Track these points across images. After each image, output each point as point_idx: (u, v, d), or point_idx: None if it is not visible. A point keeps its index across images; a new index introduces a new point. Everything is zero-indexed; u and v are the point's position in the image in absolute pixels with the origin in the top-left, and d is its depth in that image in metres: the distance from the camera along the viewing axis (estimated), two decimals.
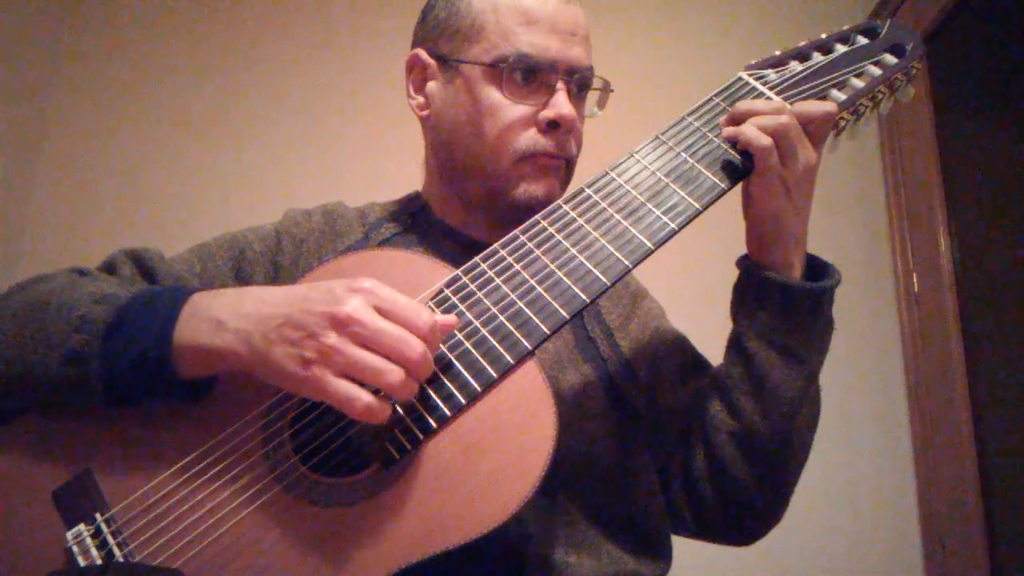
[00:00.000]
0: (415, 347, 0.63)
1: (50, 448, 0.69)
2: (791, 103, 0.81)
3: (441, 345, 0.69)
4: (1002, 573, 1.70)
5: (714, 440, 0.83)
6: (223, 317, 0.66)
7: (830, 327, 0.84)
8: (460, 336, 0.70)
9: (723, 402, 0.83)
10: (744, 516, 0.86)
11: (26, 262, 2.14)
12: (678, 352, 0.95)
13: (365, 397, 0.61)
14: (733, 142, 0.80)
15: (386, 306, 0.64)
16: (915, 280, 2.05)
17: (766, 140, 0.76)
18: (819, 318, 0.81)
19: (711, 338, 0.98)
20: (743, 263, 0.85)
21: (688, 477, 0.86)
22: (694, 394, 0.88)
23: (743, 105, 0.80)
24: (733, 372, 0.83)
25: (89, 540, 0.63)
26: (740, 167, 0.79)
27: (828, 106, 0.80)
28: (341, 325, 0.62)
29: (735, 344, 0.84)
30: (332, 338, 0.62)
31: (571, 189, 0.83)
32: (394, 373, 0.62)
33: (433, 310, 0.72)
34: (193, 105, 2.29)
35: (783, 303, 0.80)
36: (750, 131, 0.77)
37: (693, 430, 0.86)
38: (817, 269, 0.84)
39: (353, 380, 0.62)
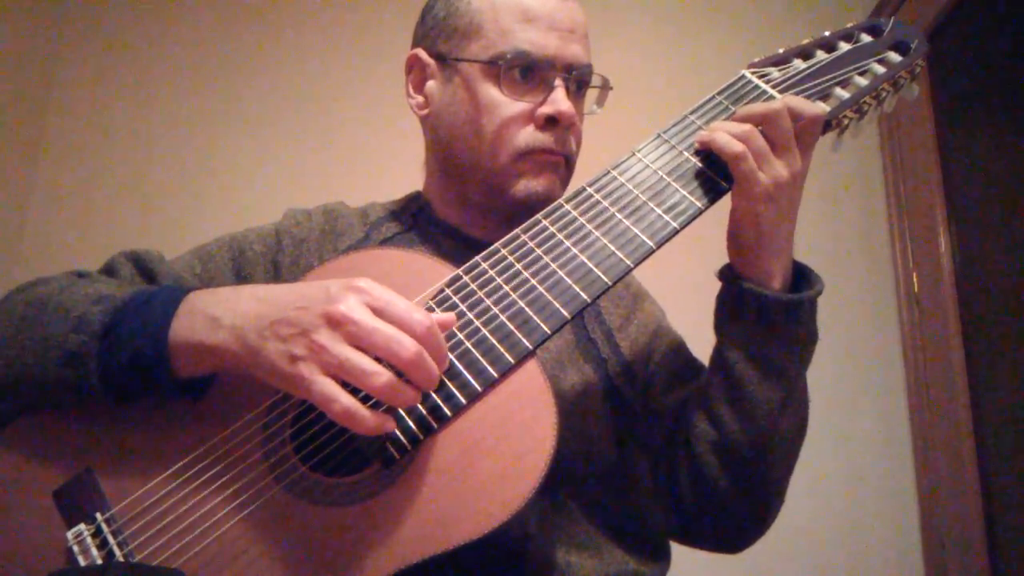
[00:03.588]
0: (408, 347, 0.61)
1: (50, 448, 0.69)
2: None
3: None
4: (1002, 573, 1.70)
5: (695, 448, 0.82)
6: (218, 314, 0.65)
7: (812, 337, 0.82)
8: (461, 336, 0.70)
9: (704, 411, 0.82)
10: (726, 524, 0.85)
11: (26, 263, 2.14)
12: (672, 356, 0.94)
13: (344, 400, 0.60)
14: (707, 151, 0.78)
15: (380, 305, 0.63)
16: (915, 280, 2.05)
17: (738, 146, 0.75)
18: (798, 329, 0.79)
19: (711, 340, 0.97)
20: (723, 274, 0.84)
21: (673, 483, 0.86)
22: (681, 400, 0.88)
23: (716, 124, 0.78)
24: (714, 381, 0.82)
25: (90, 540, 0.63)
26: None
27: (818, 108, 0.78)
28: (334, 323, 0.61)
29: (716, 354, 0.84)
30: (323, 336, 0.61)
31: (572, 188, 0.82)
32: (380, 376, 0.60)
33: (433, 309, 0.71)
34: (193, 105, 2.29)
35: (759, 314, 0.79)
36: (721, 137, 0.76)
37: (677, 436, 0.86)
38: (803, 278, 0.83)
39: (346, 384, 0.61)
